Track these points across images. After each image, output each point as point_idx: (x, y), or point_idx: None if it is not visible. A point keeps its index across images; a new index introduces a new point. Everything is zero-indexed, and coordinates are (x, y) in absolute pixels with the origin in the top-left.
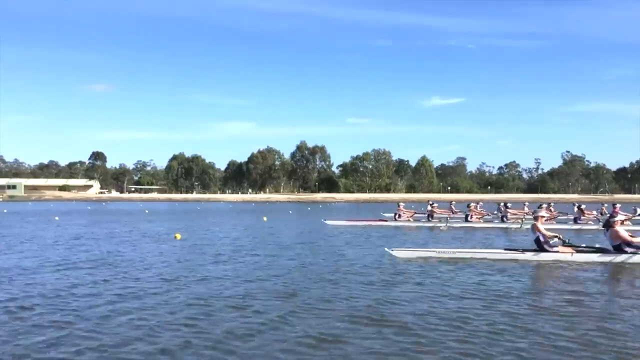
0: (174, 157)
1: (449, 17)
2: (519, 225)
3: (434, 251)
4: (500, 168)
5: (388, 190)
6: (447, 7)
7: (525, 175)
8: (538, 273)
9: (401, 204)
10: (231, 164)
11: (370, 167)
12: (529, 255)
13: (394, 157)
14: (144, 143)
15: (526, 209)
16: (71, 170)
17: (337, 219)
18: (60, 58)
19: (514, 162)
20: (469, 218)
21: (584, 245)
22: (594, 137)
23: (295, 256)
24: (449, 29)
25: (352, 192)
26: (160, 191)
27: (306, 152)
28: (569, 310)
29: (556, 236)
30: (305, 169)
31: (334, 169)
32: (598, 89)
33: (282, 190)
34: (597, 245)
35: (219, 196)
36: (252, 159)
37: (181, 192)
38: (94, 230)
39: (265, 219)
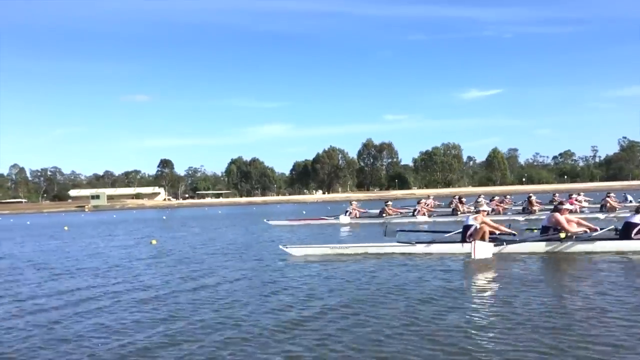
0: (233, 161)
1: (482, 7)
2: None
3: (328, 247)
4: (554, 157)
5: (449, 185)
6: None
7: (581, 164)
8: (422, 264)
9: (354, 202)
10: (296, 165)
11: (440, 161)
12: (420, 247)
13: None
14: (183, 150)
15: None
16: (128, 178)
17: (280, 219)
18: (98, 70)
19: (569, 150)
20: (415, 213)
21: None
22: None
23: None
24: (483, 19)
25: (423, 187)
26: (226, 195)
27: (373, 149)
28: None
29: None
30: (372, 167)
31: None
32: None
33: (348, 189)
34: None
35: (298, 197)
36: (317, 158)
37: (241, 196)
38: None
39: None
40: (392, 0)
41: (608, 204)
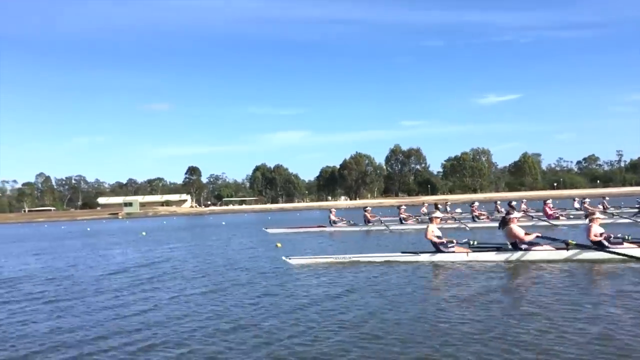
0: (257, 168)
1: (500, 11)
2: (459, 225)
3: (331, 257)
4: (578, 162)
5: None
6: (499, 2)
7: (606, 168)
8: (432, 274)
9: (333, 210)
10: (323, 171)
11: (469, 166)
12: (424, 257)
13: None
14: (202, 157)
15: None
16: (151, 186)
17: (277, 226)
18: (118, 80)
19: (593, 155)
20: (403, 221)
21: (480, 243)
22: None
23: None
24: (501, 24)
25: (453, 193)
26: (249, 202)
27: (401, 155)
28: (451, 310)
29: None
30: (400, 173)
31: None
32: None
33: (375, 194)
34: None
35: (329, 203)
36: (345, 165)
37: (266, 203)
38: None
39: None
40: (409, 6)
41: None
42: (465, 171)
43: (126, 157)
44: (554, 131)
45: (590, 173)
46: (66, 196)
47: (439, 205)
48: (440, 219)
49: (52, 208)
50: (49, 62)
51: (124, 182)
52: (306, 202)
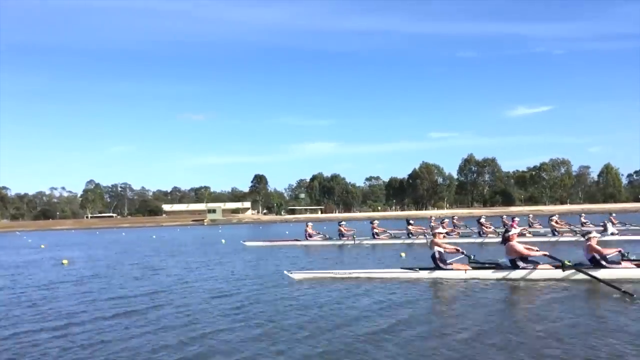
0: (314, 177)
1: (534, 23)
2: (424, 241)
3: (331, 273)
4: (629, 175)
5: (561, 202)
6: (533, 13)
7: None
8: (430, 291)
9: (309, 223)
10: (392, 181)
11: (547, 177)
12: (424, 274)
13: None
14: (232, 167)
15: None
16: (197, 195)
17: (255, 239)
18: (156, 90)
19: None
20: (375, 236)
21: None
22: None
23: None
24: (535, 35)
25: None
26: (312, 211)
27: (474, 165)
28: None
29: (458, 250)
30: (474, 183)
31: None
32: None
33: (446, 205)
34: (498, 261)
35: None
36: (416, 174)
37: (335, 212)
38: None
39: None
40: (442, 18)
41: None
42: (545, 182)
43: (159, 165)
44: (588, 144)
45: None
46: (112, 203)
47: (446, 219)
48: (444, 235)
49: (114, 215)
50: (84, 72)
51: (168, 190)
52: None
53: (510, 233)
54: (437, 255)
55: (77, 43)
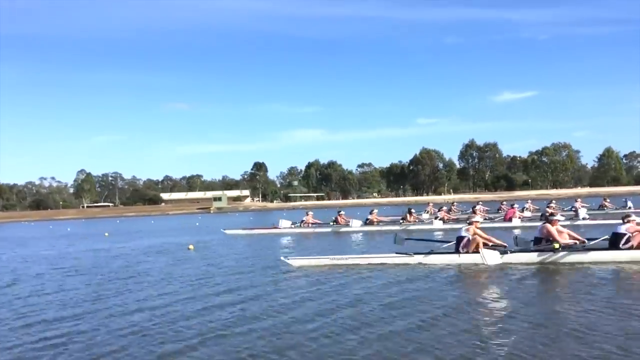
0: (310, 165)
1: (518, 8)
2: (421, 226)
3: (328, 258)
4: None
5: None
6: None
7: None
8: (423, 275)
9: (310, 212)
10: (393, 167)
11: (548, 161)
12: (419, 258)
13: None
14: (221, 156)
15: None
16: (189, 183)
17: (235, 227)
18: (139, 80)
19: (634, 152)
20: (367, 222)
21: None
22: None
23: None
24: (519, 21)
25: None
26: (309, 198)
27: (476, 150)
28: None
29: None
30: (477, 168)
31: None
32: None
33: (448, 191)
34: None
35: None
36: (417, 160)
37: (337, 199)
38: None
39: None
40: (428, 3)
41: None
42: (546, 166)
43: (145, 154)
44: (573, 128)
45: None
46: (103, 193)
47: (444, 207)
48: (444, 220)
49: (111, 204)
50: (67, 62)
51: (159, 179)
52: (376, 197)
53: (554, 218)
54: (466, 242)
55: (62, 33)
